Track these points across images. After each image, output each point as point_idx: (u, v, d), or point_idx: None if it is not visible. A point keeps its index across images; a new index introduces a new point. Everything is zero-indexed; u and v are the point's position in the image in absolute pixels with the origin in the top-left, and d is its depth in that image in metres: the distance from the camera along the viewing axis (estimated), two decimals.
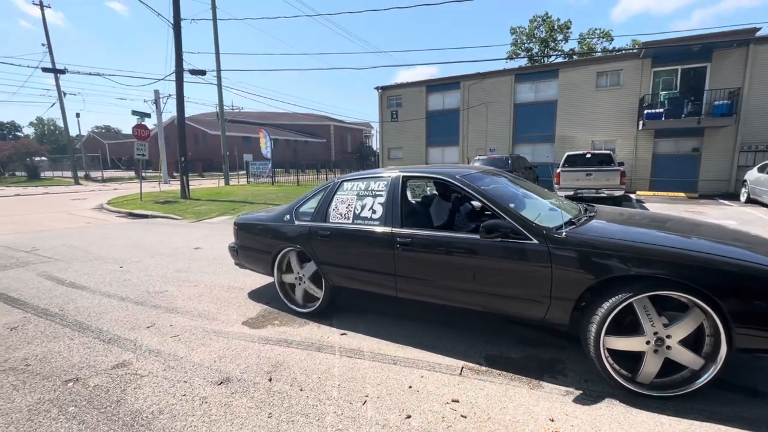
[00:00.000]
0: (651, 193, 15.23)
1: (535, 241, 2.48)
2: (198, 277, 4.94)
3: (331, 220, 3.43)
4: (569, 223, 2.63)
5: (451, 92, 20.45)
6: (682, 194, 14.42)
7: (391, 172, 3.33)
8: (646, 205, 11.79)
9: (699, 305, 2.09)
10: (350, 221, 3.32)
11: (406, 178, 3.25)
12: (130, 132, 13.76)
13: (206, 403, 2.30)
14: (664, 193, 14.88)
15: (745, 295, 2.02)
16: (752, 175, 11.33)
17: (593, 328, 2.26)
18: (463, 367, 2.67)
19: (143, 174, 30.67)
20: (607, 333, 2.25)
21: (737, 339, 2.05)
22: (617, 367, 2.31)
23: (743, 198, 11.74)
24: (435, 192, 4.10)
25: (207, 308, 3.88)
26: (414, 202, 4.19)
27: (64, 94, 25.52)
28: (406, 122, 21.62)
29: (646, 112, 14.91)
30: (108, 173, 34.60)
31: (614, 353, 2.32)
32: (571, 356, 2.78)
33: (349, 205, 3.39)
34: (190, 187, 15.25)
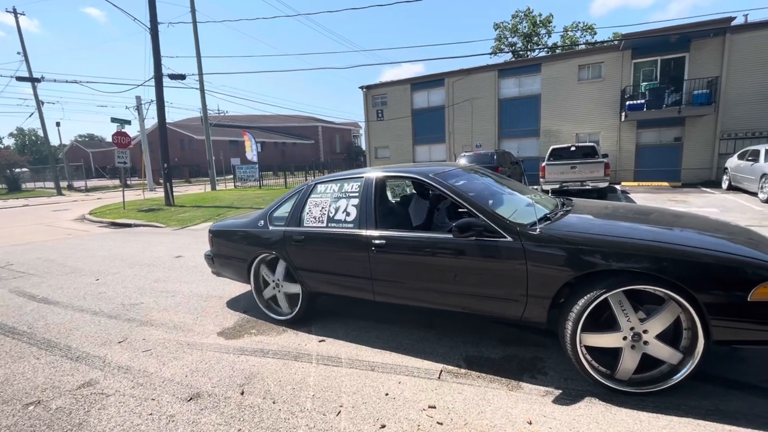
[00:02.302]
0: (635, 183, 15.38)
1: (509, 238, 2.42)
2: (176, 287, 4.81)
3: (305, 224, 3.35)
4: (544, 218, 2.59)
5: (435, 89, 20.42)
6: (665, 184, 14.59)
7: (365, 173, 3.25)
8: (631, 195, 11.89)
9: (674, 298, 2.06)
10: (324, 224, 3.24)
11: (380, 179, 3.18)
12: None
13: (173, 421, 2.20)
14: (649, 183, 15.04)
15: (719, 286, 1.99)
16: (732, 162, 11.49)
17: (569, 325, 2.22)
18: (442, 371, 2.61)
19: (128, 182, 30.16)
20: (584, 330, 2.21)
21: (714, 331, 2.02)
22: (595, 365, 2.27)
23: (725, 185, 11.91)
24: (413, 191, 4.04)
25: (183, 319, 3.77)
26: (392, 202, 4.12)
27: (42, 102, 24.89)
28: (392, 121, 21.54)
29: (627, 103, 15.03)
30: (92, 182, 33.91)
31: (592, 350, 2.28)
32: (552, 354, 2.73)
33: (322, 208, 3.31)
34: (176, 194, 15.00)
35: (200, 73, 19.74)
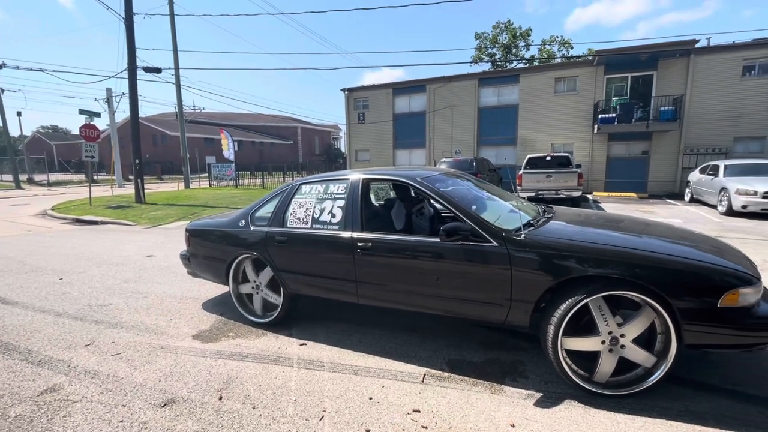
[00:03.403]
0: (606, 193, 16.01)
1: (494, 243, 2.46)
2: (148, 288, 4.60)
3: (288, 225, 3.29)
4: (528, 224, 2.64)
5: (417, 95, 20.63)
6: (634, 195, 15.26)
7: (352, 175, 3.23)
8: (602, 205, 12.36)
9: (650, 304, 2.14)
10: (309, 226, 3.19)
11: (366, 181, 3.16)
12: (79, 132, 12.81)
13: (146, 428, 2.10)
14: (618, 194, 15.69)
15: (691, 293, 2.08)
16: (694, 176, 12.15)
17: (551, 329, 2.27)
18: (425, 374, 2.61)
19: (95, 177, 28.78)
20: (565, 334, 2.26)
21: (686, 335, 2.11)
22: (575, 368, 2.32)
23: (687, 198, 12.57)
24: (397, 195, 4.04)
25: (156, 321, 3.61)
26: (377, 205, 4.11)
27: (2, 90, 23.48)
28: (373, 124, 21.59)
29: (600, 116, 15.68)
30: (55, 176, 32.13)
31: (572, 354, 2.34)
32: (532, 358, 2.78)
33: (307, 209, 3.26)
34: (148, 191, 14.44)
35: (176, 67, 19.15)
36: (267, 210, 3.50)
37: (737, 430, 2.00)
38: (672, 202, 12.89)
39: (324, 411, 2.23)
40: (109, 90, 24.25)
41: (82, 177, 31.42)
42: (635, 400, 2.23)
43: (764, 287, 2.28)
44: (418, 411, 2.20)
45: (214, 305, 4.00)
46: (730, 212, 9.16)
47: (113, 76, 25.12)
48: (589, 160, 16.95)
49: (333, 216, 3.10)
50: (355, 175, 3.20)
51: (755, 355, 2.67)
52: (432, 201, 2.93)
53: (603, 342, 2.25)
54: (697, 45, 14.69)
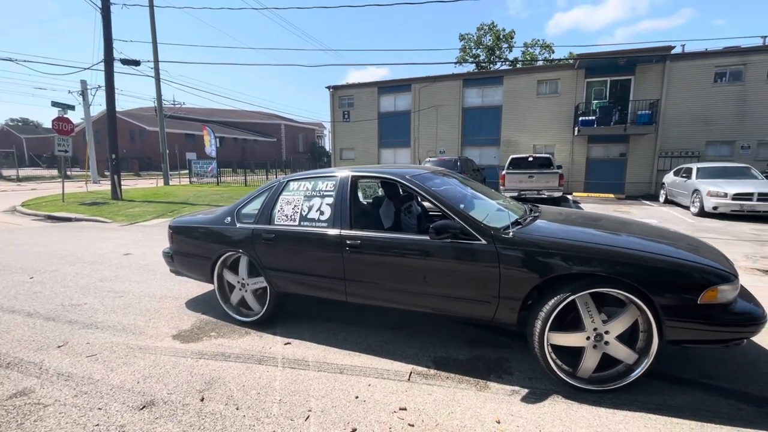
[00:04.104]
0: (585, 194, 16.41)
1: (483, 241, 2.48)
2: (125, 287, 4.46)
3: (276, 222, 3.24)
4: (516, 223, 2.67)
5: (402, 94, 20.66)
6: (611, 195, 15.69)
7: (341, 172, 3.20)
8: (582, 205, 12.66)
9: (635, 302, 2.19)
10: (297, 223, 3.15)
11: (356, 178, 3.14)
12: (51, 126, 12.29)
13: None
14: (597, 195, 16.10)
15: (673, 290, 2.14)
16: (669, 178, 12.58)
17: (538, 324, 2.30)
18: (411, 372, 2.61)
19: (68, 172, 27.72)
20: (551, 329, 2.30)
21: (667, 331, 2.17)
22: (559, 363, 2.36)
23: (662, 199, 13.00)
24: (384, 193, 4.03)
25: (133, 321, 3.49)
26: (365, 203, 4.09)
27: None
28: (358, 123, 21.51)
29: (580, 119, 16.06)
30: (25, 171, 30.75)
31: (557, 349, 2.38)
32: (516, 355, 2.82)
33: (295, 206, 3.21)
34: (125, 187, 13.98)
35: (156, 60, 18.58)
36: (253, 207, 3.44)
37: (711, 422, 2.07)
38: (647, 203, 13.31)
39: (310, 410, 2.20)
40: (84, 82, 23.40)
41: (55, 172, 30.19)
42: (616, 395, 2.28)
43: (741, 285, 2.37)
44: (405, 409, 2.20)
45: (195, 304, 3.90)
46: (702, 213, 9.52)
47: (89, 68, 24.09)
48: (570, 162, 17.34)
49: (321, 213, 3.07)
50: (344, 173, 3.17)
51: (729, 350, 2.78)
52: (420, 199, 2.93)
53: (588, 338, 2.30)
54: (673, 51, 15.21)
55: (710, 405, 2.21)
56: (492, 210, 2.99)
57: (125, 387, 2.45)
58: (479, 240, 2.48)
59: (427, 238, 2.59)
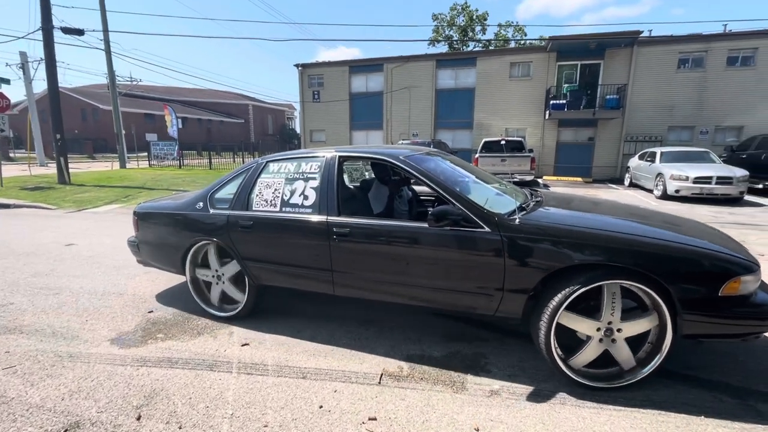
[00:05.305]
0: (555, 178, 16.69)
1: (487, 229, 2.25)
2: (63, 283, 3.96)
3: (254, 208, 2.90)
4: (520, 209, 2.45)
5: (374, 74, 20.05)
6: (579, 179, 16.03)
7: (326, 152, 2.87)
8: (552, 189, 12.81)
9: (652, 297, 2.03)
10: (277, 209, 2.82)
11: (342, 159, 2.82)
12: None
13: None
14: (566, 178, 16.41)
15: (694, 281, 1.99)
16: (633, 162, 12.92)
17: (553, 303, 2.10)
18: (382, 374, 2.38)
19: (11, 154, 25.41)
20: (567, 309, 2.11)
21: (684, 325, 2.03)
22: (557, 345, 2.19)
23: (627, 182, 13.38)
24: (373, 176, 3.72)
25: (67, 324, 3.07)
26: (352, 186, 3.75)
27: None
28: (329, 103, 20.78)
29: (551, 102, 16.16)
30: None
31: (560, 330, 2.18)
32: (494, 349, 2.65)
33: (275, 190, 2.88)
34: (75, 171, 12.92)
35: (105, 30, 17.01)
36: (228, 191, 3.08)
37: (695, 415, 1.97)
38: (613, 186, 13.67)
39: (266, 426, 1.92)
40: (23, 54, 21.15)
41: None
42: (598, 393, 2.15)
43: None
44: (375, 419, 1.97)
45: (144, 301, 3.50)
46: (665, 196, 9.82)
47: (24, 37, 21.84)
48: (541, 145, 17.52)
49: (305, 198, 2.75)
50: (330, 153, 2.84)
51: (706, 342, 2.71)
52: (414, 182, 2.66)
53: (598, 329, 2.13)
54: (641, 36, 15.45)
55: (693, 398, 2.11)
56: (491, 194, 2.74)
57: (46, 406, 2.08)
58: (482, 227, 2.25)
59: (425, 225, 2.35)
